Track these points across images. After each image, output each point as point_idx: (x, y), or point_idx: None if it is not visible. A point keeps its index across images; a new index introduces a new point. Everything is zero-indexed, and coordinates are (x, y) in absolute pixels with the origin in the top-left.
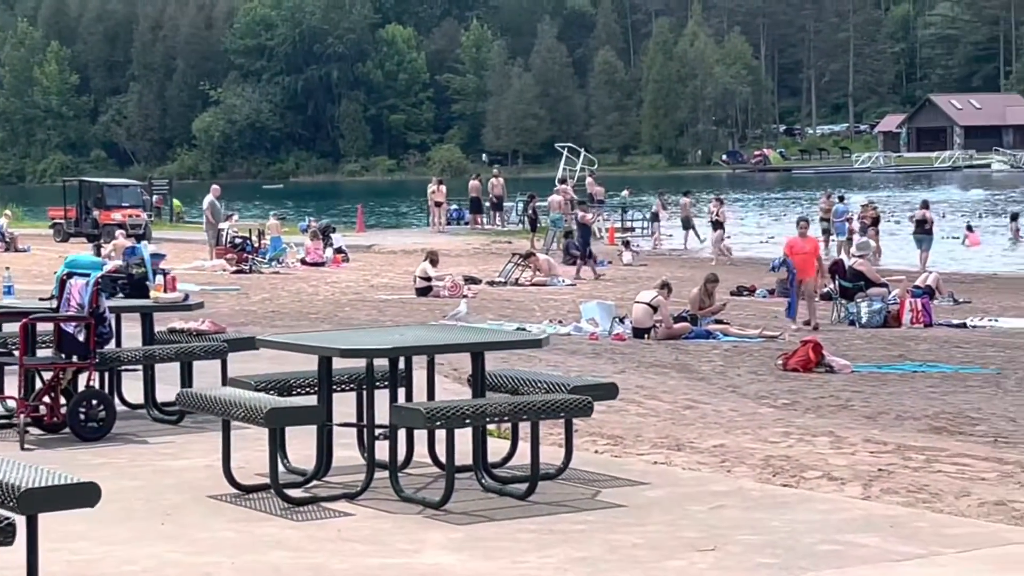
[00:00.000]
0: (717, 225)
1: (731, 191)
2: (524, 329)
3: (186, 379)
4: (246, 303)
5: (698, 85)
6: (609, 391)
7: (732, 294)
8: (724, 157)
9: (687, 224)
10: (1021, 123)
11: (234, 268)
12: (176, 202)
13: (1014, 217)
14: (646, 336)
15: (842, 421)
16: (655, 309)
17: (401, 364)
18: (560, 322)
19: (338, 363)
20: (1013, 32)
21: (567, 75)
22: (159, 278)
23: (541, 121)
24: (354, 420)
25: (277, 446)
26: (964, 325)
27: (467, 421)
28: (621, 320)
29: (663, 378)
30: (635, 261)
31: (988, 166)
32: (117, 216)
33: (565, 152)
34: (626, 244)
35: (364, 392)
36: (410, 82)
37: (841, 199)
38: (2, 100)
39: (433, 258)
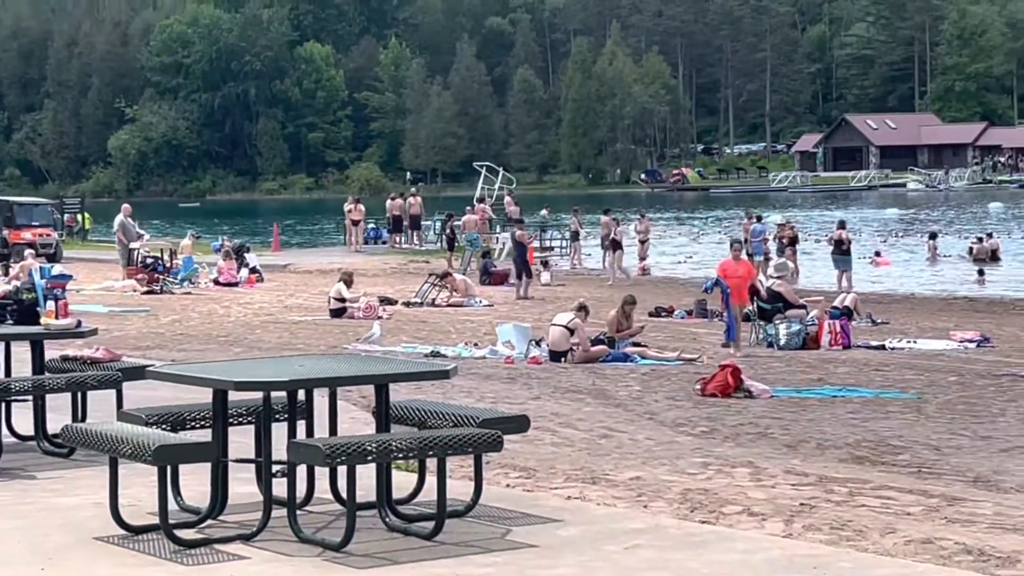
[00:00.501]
0: (616, 245)
1: (650, 210)
2: (438, 353)
3: (78, 411)
4: (155, 325)
5: (617, 104)
6: (520, 424)
7: (650, 315)
8: (643, 176)
9: (609, 243)
10: (936, 143)
11: (145, 289)
12: (85, 216)
13: (932, 236)
14: (563, 359)
15: (762, 450)
16: (572, 332)
17: (302, 395)
18: (476, 345)
19: (237, 394)
20: (928, 53)
21: (486, 94)
22: (50, 304)
23: (460, 140)
24: (253, 454)
25: (167, 485)
26: (883, 347)
27: (369, 458)
28: (538, 343)
29: (579, 404)
30: (553, 281)
31: (904, 185)
32: (27, 235)
33: (483, 171)
34: (544, 264)
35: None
36: (328, 100)
37: (759, 219)
38: None
39: (347, 279)
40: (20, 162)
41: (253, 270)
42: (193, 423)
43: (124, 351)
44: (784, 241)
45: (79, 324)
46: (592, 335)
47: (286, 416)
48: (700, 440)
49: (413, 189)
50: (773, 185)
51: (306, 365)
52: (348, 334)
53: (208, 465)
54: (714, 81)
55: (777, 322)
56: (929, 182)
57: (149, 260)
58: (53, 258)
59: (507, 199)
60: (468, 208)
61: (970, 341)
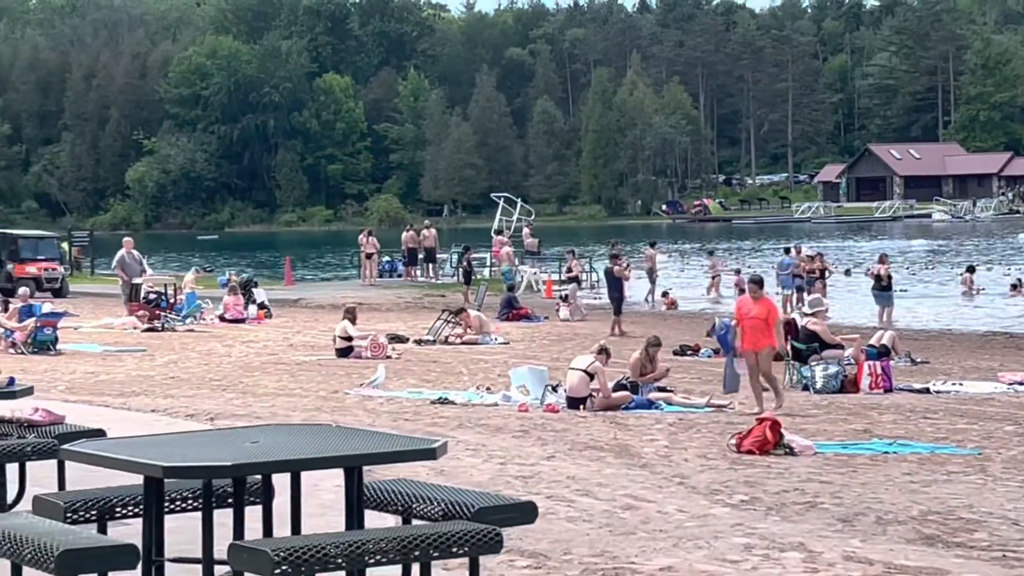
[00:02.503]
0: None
1: (671, 241)
2: (446, 399)
3: (4, 486)
4: (148, 367)
5: (637, 135)
6: (525, 513)
7: (675, 354)
8: (664, 207)
9: (651, 277)
10: (960, 173)
11: (145, 326)
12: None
13: (971, 270)
14: (582, 407)
15: (813, 526)
16: (592, 377)
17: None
18: (488, 389)
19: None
20: (951, 82)
21: (506, 125)
22: None
23: (480, 171)
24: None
25: None
26: (927, 390)
27: (333, 564)
28: (554, 388)
29: (599, 465)
30: (574, 317)
31: (929, 216)
32: (32, 269)
33: (501, 202)
34: (564, 299)
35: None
36: (347, 131)
37: (787, 251)
38: None
39: (351, 316)
40: (38, 195)
41: (261, 305)
42: (125, 511)
43: (106, 396)
44: (814, 274)
45: (11, 382)
46: (614, 379)
47: (251, 500)
48: (739, 512)
49: (427, 221)
50: (796, 216)
51: (260, 441)
52: (352, 376)
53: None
54: (735, 111)
55: (813, 363)
56: (955, 212)
57: (152, 296)
58: (59, 293)
59: (525, 231)
60: (501, 240)
61: (1020, 383)
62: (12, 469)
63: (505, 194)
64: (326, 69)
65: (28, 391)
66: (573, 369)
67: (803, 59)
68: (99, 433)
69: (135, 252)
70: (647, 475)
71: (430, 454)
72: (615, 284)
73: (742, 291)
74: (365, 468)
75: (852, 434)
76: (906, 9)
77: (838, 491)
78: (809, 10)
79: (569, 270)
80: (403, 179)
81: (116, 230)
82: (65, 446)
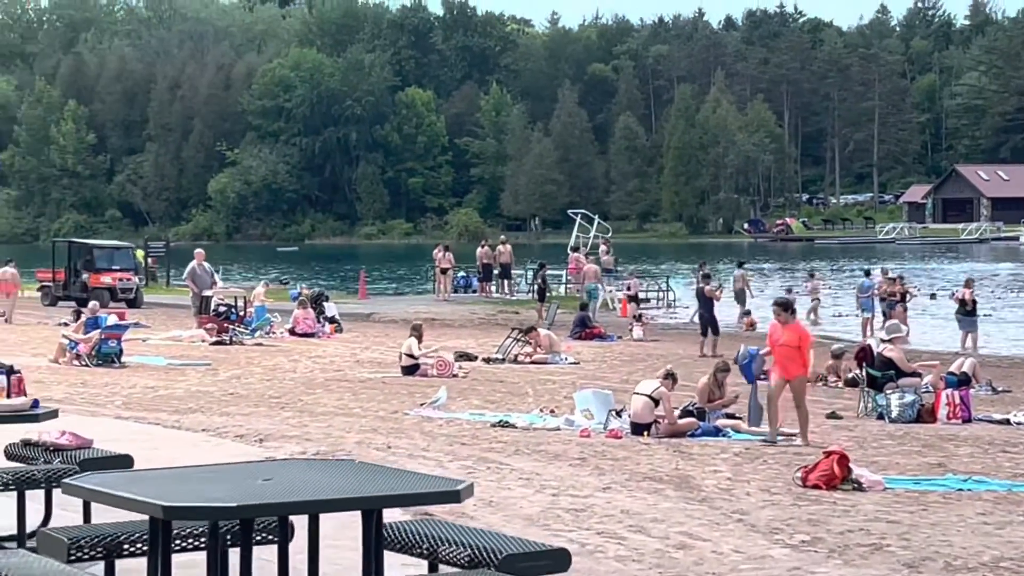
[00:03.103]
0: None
1: (753, 260)
2: (507, 423)
3: (23, 513)
4: (209, 382)
5: (720, 152)
6: (557, 561)
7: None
8: (746, 226)
9: (740, 298)
10: None
11: (213, 339)
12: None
13: None
14: (645, 433)
15: (876, 572)
16: (657, 402)
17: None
18: (552, 412)
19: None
20: None
21: (587, 140)
22: (1, 379)
23: (560, 186)
24: None
25: None
26: (1007, 421)
27: None
28: (618, 413)
29: (656, 498)
30: (647, 336)
31: (1016, 239)
32: (107, 279)
33: (578, 219)
34: (637, 318)
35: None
36: (429, 145)
37: (867, 273)
38: (18, 159)
39: (418, 333)
40: (121, 204)
41: (331, 320)
42: (134, 548)
43: (161, 413)
44: (895, 298)
45: (36, 404)
46: (681, 405)
47: (269, 538)
48: (799, 554)
49: (503, 237)
50: (880, 236)
51: (274, 479)
52: (415, 396)
53: None
54: (820, 130)
55: (888, 392)
56: None
57: (222, 308)
58: (133, 303)
59: (602, 248)
60: (577, 256)
61: None
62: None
63: (582, 211)
64: (408, 83)
65: (52, 414)
66: (638, 394)
67: (890, 78)
68: (125, 460)
69: (206, 264)
70: (705, 510)
71: (453, 497)
72: (706, 305)
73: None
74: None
75: (925, 468)
76: (996, 28)
77: (906, 532)
78: (897, 28)
79: (628, 288)
80: (483, 194)
81: (197, 240)
82: (67, 480)
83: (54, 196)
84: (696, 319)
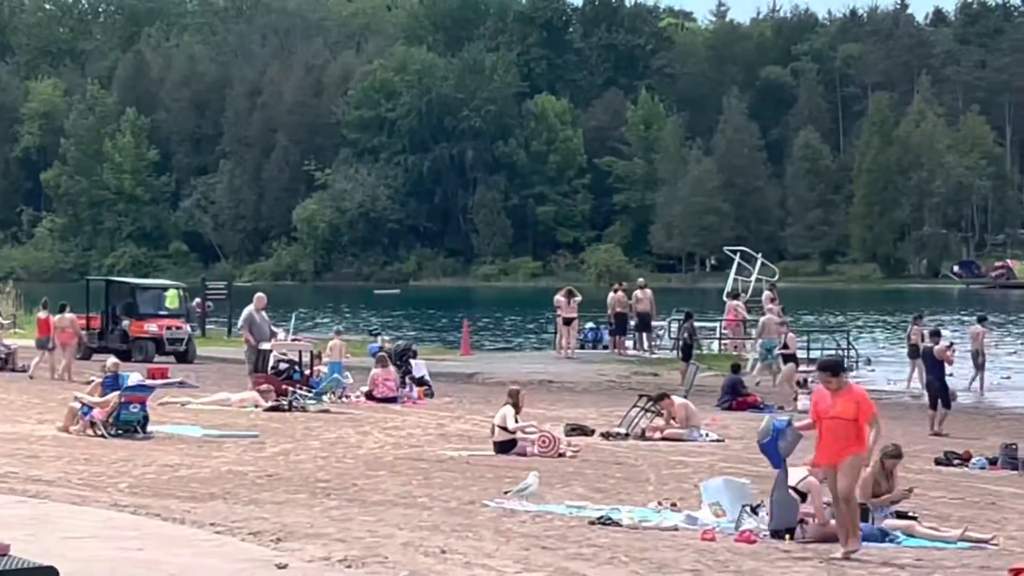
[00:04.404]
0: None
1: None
2: (609, 520)
3: None
4: (248, 459)
5: (924, 177)
6: None
7: (937, 463)
8: (956, 268)
9: (977, 360)
10: None
11: (269, 404)
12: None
13: None
14: (788, 536)
15: None
16: (804, 496)
17: None
18: (674, 505)
19: None
20: None
21: (758, 161)
22: None
23: (724, 218)
24: None
25: None
26: None
27: None
28: (754, 509)
29: None
30: None
31: None
32: (152, 327)
33: (736, 258)
34: (803, 384)
35: None
36: (563, 166)
37: None
38: (65, 179)
39: (515, 400)
40: (188, 235)
41: (420, 381)
42: None
43: (172, 500)
44: None
45: None
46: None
47: None
48: None
49: (641, 280)
50: None
51: None
52: (504, 481)
53: None
54: None
55: None
56: None
57: (283, 366)
58: (184, 356)
59: (766, 295)
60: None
61: None
62: None
63: (741, 247)
64: (539, 89)
65: None
66: None
67: None
68: (47, 573)
69: (264, 313)
70: None
71: None
72: (935, 369)
73: None
74: None
75: None
76: None
77: None
78: None
79: (785, 346)
80: (629, 226)
81: (279, 280)
82: None
83: (107, 225)
84: (913, 385)
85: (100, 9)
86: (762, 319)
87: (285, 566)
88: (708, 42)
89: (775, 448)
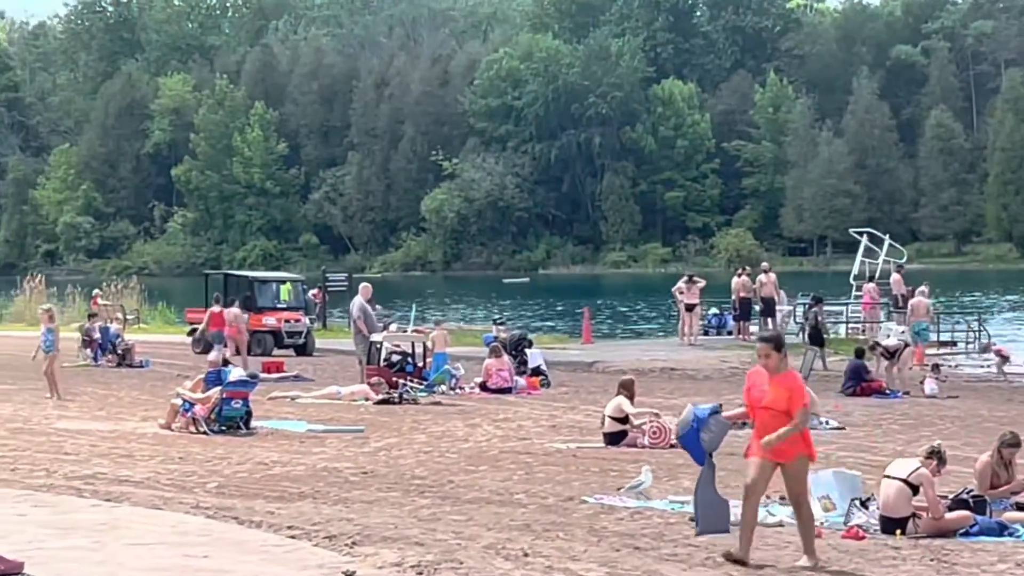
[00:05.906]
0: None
1: None
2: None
3: None
4: (348, 455)
5: None
6: None
7: None
8: None
9: None
10: None
11: (379, 396)
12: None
13: None
14: (899, 532)
15: None
16: (916, 490)
17: None
18: (782, 499)
19: None
20: None
21: (890, 141)
22: None
23: (856, 199)
24: None
25: None
26: None
27: None
28: (864, 503)
29: None
30: (941, 393)
31: None
32: (271, 320)
33: (863, 240)
34: (935, 368)
35: None
36: (691, 151)
37: None
38: (195, 174)
39: (628, 390)
40: (318, 227)
41: (536, 371)
42: None
43: (258, 500)
44: None
45: None
46: (951, 492)
47: None
48: None
49: (765, 264)
50: None
51: None
52: (610, 475)
53: None
54: None
55: None
56: None
57: (395, 357)
58: (303, 349)
59: (894, 277)
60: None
61: None
62: None
63: (868, 229)
64: (666, 74)
65: None
66: (889, 478)
67: None
68: None
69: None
70: None
71: None
72: None
73: None
74: None
75: None
76: None
77: None
78: None
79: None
80: (759, 210)
81: (409, 270)
82: None
83: (238, 218)
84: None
85: (228, 4)
86: (911, 301)
87: (352, 574)
88: (837, 22)
89: (696, 441)
